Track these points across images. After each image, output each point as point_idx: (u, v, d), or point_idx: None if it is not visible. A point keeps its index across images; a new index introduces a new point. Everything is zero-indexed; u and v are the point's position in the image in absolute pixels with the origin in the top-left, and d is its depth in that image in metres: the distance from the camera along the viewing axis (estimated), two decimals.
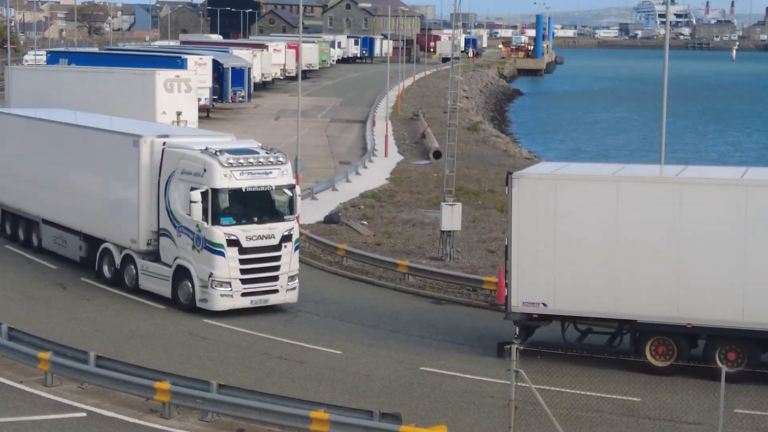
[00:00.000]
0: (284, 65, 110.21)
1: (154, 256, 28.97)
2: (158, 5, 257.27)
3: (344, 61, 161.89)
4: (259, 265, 27.43)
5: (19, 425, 19.51)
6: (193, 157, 27.64)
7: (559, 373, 22.54)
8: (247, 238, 27.20)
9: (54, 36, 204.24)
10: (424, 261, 33.80)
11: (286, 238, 27.76)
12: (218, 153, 27.27)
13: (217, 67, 77.50)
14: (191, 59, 71.40)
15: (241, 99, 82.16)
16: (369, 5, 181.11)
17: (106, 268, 30.56)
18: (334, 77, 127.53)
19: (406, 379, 22.72)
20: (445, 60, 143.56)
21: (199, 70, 67.63)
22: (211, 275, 27.07)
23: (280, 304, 28.03)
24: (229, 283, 27.11)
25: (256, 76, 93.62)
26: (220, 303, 27.09)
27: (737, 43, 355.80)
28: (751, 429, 20.09)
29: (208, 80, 73.87)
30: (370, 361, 23.96)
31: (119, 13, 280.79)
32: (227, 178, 27.09)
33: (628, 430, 20.00)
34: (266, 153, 28.08)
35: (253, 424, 19.38)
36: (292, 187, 28.20)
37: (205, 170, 27.14)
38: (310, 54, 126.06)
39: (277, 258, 27.65)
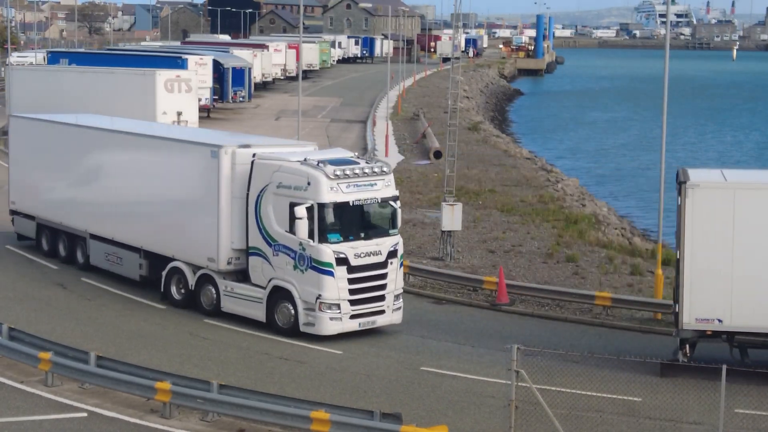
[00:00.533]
0: (285, 65, 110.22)
1: (236, 276, 26.86)
2: (159, 5, 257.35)
3: (345, 61, 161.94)
4: (367, 284, 25.34)
5: (20, 425, 19.52)
6: (293, 169, 25.42)
7: (559, 373, 22.54)
8: (355, 255, 25.08)
9: (54, 36, 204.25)
10: (424, 261, 33.81)
11: (392, 254, 25.79)
12: (321, 164, 25.15)
13: (217, 67, 77.50)
14: (192, 59, 71.42)
15: (241, 99, 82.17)
16: (369, 5, 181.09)
17: (174, 289, 28.17)
18: (335, 77, 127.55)
19: (407, 379, 22.73)
20: (445, 60, 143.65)
21: (199, 70, 67.65)
22: (318, 297, 24.87)
23: (386, 325, 26.11)
24: (338, 305, 24.97)
25: (257, 76, 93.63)
26: (330, 327, 24.96)
27: (738, 43, 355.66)
28: (751, 429, 20.10)
29: (208, 80, 73.88)
30: (371, 361, 23.96)
31: (120, 13, 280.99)
32: (334, 192, 24.93)
33: (628, 430, 20.00)
34: (367, 163, 26.03)
35: (254, 424, 19.39)
36: (396, 199, 26.26)
37: (309, 183, 24.93)
38: (311, 54, 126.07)
39: (384, 276, 25.62)
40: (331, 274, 24.85)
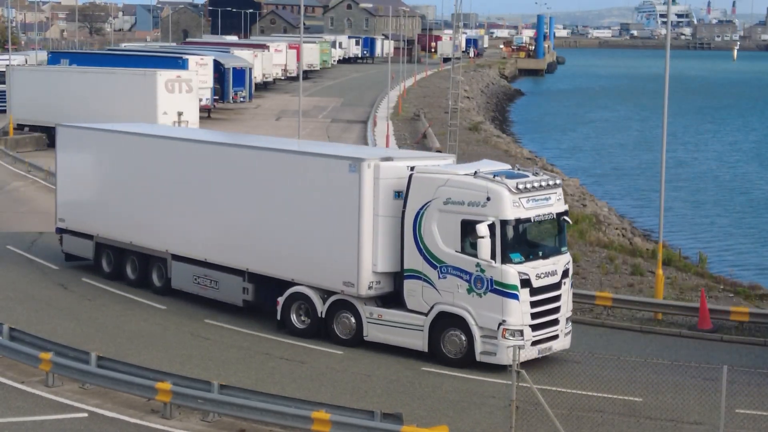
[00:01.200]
0: (285, 65, 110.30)
1: (376, 302, 24.60)
2: (159, 6, 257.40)
3: (345, 61, 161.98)
4: (545, 307, 23.26)
5: (21, 426, 19.51)
6: (466, 183, 23.14)
7: (560, 373, 22.55)
8: (536, 276, 22.98)
9: (55, 36, 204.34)
10: None
11: (565, 273, 23.83)
12: (499, 178, 23.04)
13: (218, 67, 77.55)
14: (192, 59, 71.51)
15: (242, 99, 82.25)
16: (370, 5, 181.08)
17: (295, 317, 25.73)
18: (335, 77, 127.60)
19: (408, 380, 22.72)
20: (446, 60, 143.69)
21: (200, 71, 67.78)
22: (502, 323, 22.59)
23: (559, 351, 24.07)
24: (521, 331, 22.70)
25: (257, 76, 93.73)
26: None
27: (738, 43, 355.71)
28: (752, 429, 20.09)
29: (209, 80, 73.96)
30: (372, 362, 23.96)
31: (120, 13, 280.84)
32: (516, 207, 22.75)
33: (629, 431, 19.99)
34: (536, 175, 23.87)
35: (255, 425, 19.38)
36: (567, 214, 24.49)
37: (488, 199, 22.68)
38: (311, 54, 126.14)
39: (559, 297, 23.61)
40: (516, 297, 22.62)
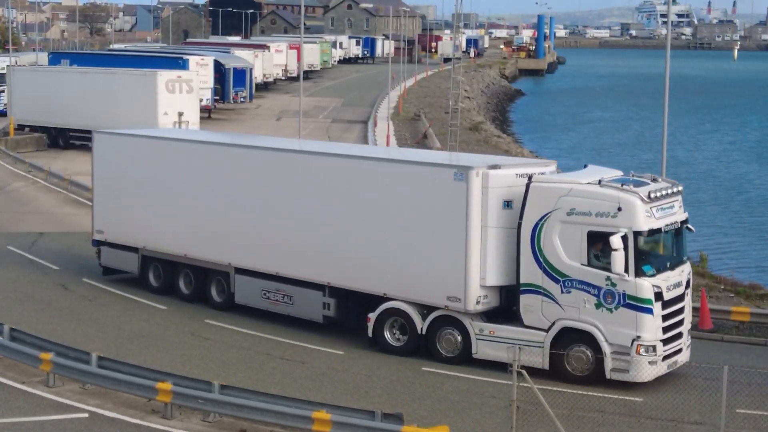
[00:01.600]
0: (286, 66, 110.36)
1: (482, 317, 23.45)
2: (160, 6, 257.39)
3: (346, 61, 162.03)
4: (674, 320, 22.43)
5: (21, 426, 19.52)
6: (593, 193, 22.10)
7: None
8: (666, 288, 22.10)
9: (56, 37, 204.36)
10: None
11: (688, 284, 23.09)
12: (628, 186, 22.15)
13: (218, 67, 77.60)
14: (193, 60, 71.56)
15: (242, 99, 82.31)
16: (370, 6, 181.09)
17: (389, 334, 24.46)
18: (336, 78, 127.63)
19: (408, 380, 22.73)
20: (446, 60, 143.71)
21: (200, 71, 67.81)
22: (636, 339, 21.66)
23: (682, 365, 23.10)
24: (654, 347, 21.83)
25: (258, 76, 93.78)
26: (649, 372, 21.81)
27: (739, 42, 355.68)
28: (753, 429, 20.08)
29: (209, 81, 74.03)
30: (372, 362, 23.96)
31: (121, 13, 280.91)
32: (648, 217, 21.82)
33: (630, 430, 19.99)
34: (655, 182, 22.97)
35: (255, 425, 19.39)
36: (688, 221, 23.40)
37: (620, 209, 21.64)
38: (312, 54, 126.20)
39: (683, 309, 22.80)
40: (650, 311, 21.65)
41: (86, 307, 28.46)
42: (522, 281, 22.83)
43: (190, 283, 28.86)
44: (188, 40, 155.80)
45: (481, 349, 23.29)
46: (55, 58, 79.19)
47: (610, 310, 21.82)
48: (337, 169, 25.87)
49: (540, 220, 22.49)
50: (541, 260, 22.54)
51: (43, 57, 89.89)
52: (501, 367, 22.49)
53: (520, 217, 22.71)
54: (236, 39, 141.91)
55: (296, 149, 27.96)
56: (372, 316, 24.59)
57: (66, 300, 29.13)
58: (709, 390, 20.77)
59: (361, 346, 24.99)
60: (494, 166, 23.21)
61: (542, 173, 23.45)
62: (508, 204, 23.13)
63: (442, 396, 21.68)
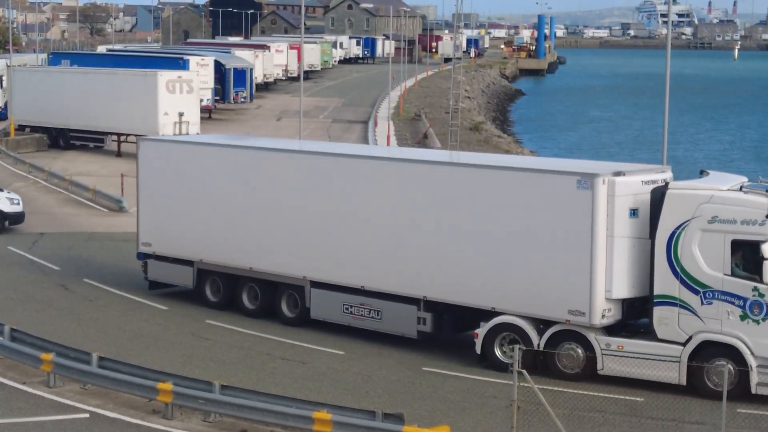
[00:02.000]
0: (286, 66, 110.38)
1: (603, 331, 22.30)
2: (160, 6, 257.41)
3: (346, 61, 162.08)
4: None
5: (22, 426, 19.51)
6: (738, 200, 21.29)
7: (561, 373, 22.54)
8: None
9: (56, 37, 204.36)
10: None
11: None
12: None
13: (219, 67, 77.63)
14: (193, 60, 71.61)
15: (243, 100, 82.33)
16: (371, 6, 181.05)
17: (499, 350, 23.18)
18: (336, 78, 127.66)
19: (409, 380, 22.72)
20: (447, 60, 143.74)
21: (201, 71, 67.84)
22: None
23: None
24: None
25: (258, 76, 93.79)
26: None
27: (739, 42, 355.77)
28: (754, 428, 20.07)
29: (210, 81, 74.05)
30: (373, 362, 23.96)
31: (121, 14, 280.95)
32: None
33: (631, 430, 19.98)
34: None
35: (256, 425, 19.38)
36: None
37: None
38: (312, 54, 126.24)
39: None
40: None
41: (87, 307, 28.45)
42: (656, 293, 21.86)
43: (255, 298, 27.45)
44: (188, 40, 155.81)
45: (608, 365, 22.17)
46: (56, 59, 79.22)
47: (757, 321, 20.93)
48: (440, 178, 24.46)
49: (677, 228, 21.61)
50: (678, 270, 21.64)
51: (33, 58, 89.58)
52: (501, 367, 22.53)
53: (655, 226, 21.80)
54: (236, 39, 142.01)
55: (392, 157, 26.56)
56: (480, 332, 23.36)
57: (66, 300, 29.13)
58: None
59: (362, 346, 24.98)
60: (618, 173, 22.20)
61: (665, 180, 22.68)
62: (634, 212, 22.17)
63: (443, 396, 21.68)
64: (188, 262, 28.55)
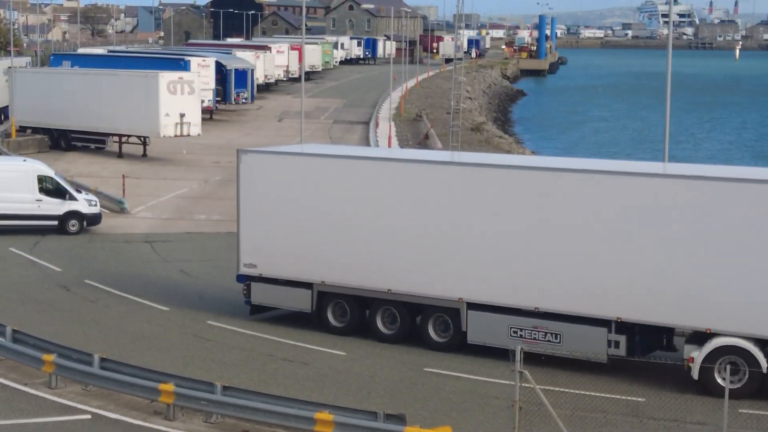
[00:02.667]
0: (287, 67, 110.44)
1: None
2: (161, 7, 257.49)
3: (347, 62, 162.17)
4: None
5: (24, 428, 19.52)
6: None
7: (563, 374, 22.51)
8: None
9: (57, 38, 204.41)
10: None
11: None
12: None
13: (220, 68, 77.68)
14: (194, 61, 71.68)
15: (244, 101, 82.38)
16: (372, 6, 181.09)
17: (720, 376, 21.32)
18: (337, 78, 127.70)
19: (411, 380, 22.72)
20: (448, 61, 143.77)
21: (202, 72, 67.87)
22: None
23: None
24: None
25: (259, 77, 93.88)
26: None
27: (740, 42, 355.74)
28: (756, 429, 20.06)
29: (211, 82, 74.11)
30: (374, 363, 23.95)
31: (122, 15, 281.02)
32: None
33: (632, 431, 19.98)
34: None
35: (258, 426, 19.38)
36: None
37: None
38: (313, 55, 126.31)
39: None
40: None
41: (88, 308, 28.46)
42: None
43: (392, 322, 25.40)
44: (190, 41, 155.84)
45: None
46: (57, 60, 79.23)
47: None
48: (646, 189, 22.46)
49: None
50: None
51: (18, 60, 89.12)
52: (503, 367, 22.50)
53: None
54: (236, 40, 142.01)
55: (585, 169, 23.79)
56: (697, 357, 21.51)
57: (68, 301, 29.14)
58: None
59: (364, 347, 24.97)
60: None
61: None
62: None
63: (445, 397, 21.67)
64: (305, 285, 26.19)
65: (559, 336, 23.16)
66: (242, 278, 27.15)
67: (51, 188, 38.12)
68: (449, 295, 24.31)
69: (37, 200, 37.79)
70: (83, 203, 38.67)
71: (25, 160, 40.03)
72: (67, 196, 38.31)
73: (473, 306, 24.08)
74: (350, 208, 25.58)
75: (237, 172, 27.07)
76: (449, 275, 24.32)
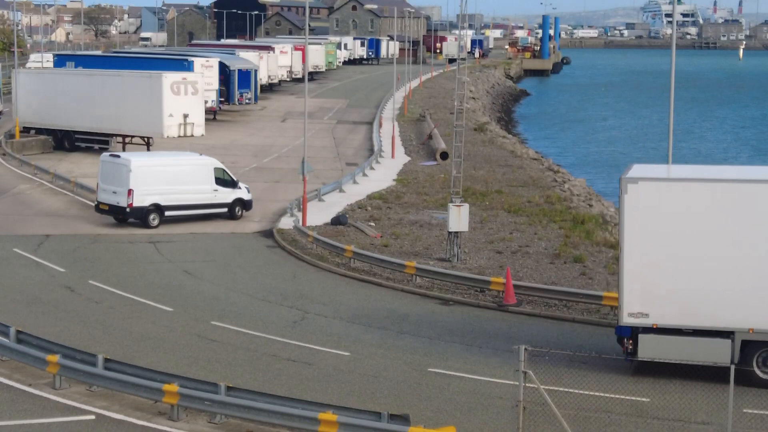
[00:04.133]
0: (291, 67, 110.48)
1: None
2: (165, 8, 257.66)
3: (351, 62, 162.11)
4: None
5: (28, 428, 19.54)
6: None
7: (567, 374, 22.51)
8: None
9: (61, 39, 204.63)
10: (431, 262, 33.78)
11: None
12: None
13: (223, 69, 77.70)
14: (198, 62, 71.68)
15: (247, 101, 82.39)
16: (375, 7, 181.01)
17: None
18: (341, 79, 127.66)
19: (414, 381, 22.72)
20: (451, 61, 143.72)
21: (205, 73, 67.87)
22: None
23: None
24: None
25: (263, 78, 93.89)
26: None
27: (744, 42, 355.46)
28: (760, 429, 20.05)
29: (214, 82, 74.12)
30: (378, 363, 23.95)
31: (126, 16, 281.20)
32: None
33: (636, 431, 19.97)
34: None
35: (262, 426, 19.40)
36: None
37: None
38: (317, 56, 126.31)
39: None
40: None
41: (92, 309, 28.47)
42: None
43: None
44: (193, 41, 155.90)
45: None
46: (60, 61, 79.26)
47: None
48: None
49: None
50: None
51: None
52: (507, 367, 22.51)
53: None
54: (233, 41, 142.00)
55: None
56: None
57: (72, 302, 29.16)
58: (716, 390, 20.74)
59: (368, 348, 24.97)
60: None
61: None
62: None
63: (449, 397, 21.67)
64: (723, 333, 22.45)
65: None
66: (627, 331, 22.94)
67: (223, 179, 41.46)
68: None
69: (214, 190, 41.33)
70: (244, 191, 42.26)
71: (201, 155, 42.78)
72: (234, 185, 41.77)
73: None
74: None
75: (620, 203, 23.08)
76: None
